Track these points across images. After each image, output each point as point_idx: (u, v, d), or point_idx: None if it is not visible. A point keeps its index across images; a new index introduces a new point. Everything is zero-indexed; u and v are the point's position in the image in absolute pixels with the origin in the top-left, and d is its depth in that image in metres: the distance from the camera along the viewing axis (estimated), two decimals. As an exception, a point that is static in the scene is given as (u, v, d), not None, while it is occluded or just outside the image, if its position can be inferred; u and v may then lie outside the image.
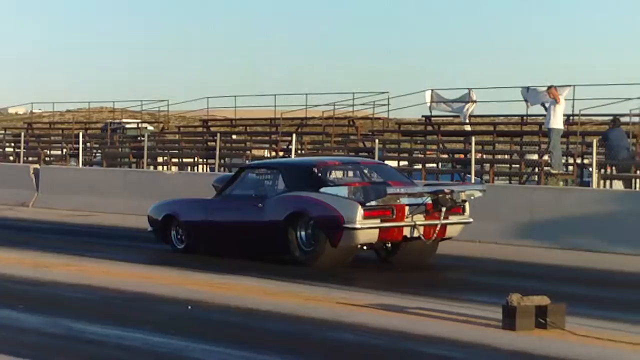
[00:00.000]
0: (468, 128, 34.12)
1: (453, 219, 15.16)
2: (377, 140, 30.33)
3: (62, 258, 17.40)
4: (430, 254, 15.76)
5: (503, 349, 10.09)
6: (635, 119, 30.48)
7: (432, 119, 35.33)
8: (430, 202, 14.88)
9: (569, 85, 30.29)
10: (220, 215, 16.26)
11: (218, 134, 36.20)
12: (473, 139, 29.44)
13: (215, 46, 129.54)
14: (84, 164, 37.72)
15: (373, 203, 14.47)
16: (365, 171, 16.41)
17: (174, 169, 37.53)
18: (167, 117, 47.86)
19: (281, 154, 34.70)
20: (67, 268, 15.92)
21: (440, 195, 14.79)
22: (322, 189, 15.01)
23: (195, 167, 37.90)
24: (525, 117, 33.91)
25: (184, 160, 38.92)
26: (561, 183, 26.85)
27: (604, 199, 20.89)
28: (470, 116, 34.18)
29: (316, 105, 38.55)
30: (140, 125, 47.39)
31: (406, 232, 14.65)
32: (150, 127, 47.40)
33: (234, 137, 41.03)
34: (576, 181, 27.78)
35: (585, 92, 31.64)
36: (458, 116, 34.58)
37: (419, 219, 14.71)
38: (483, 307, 11.88)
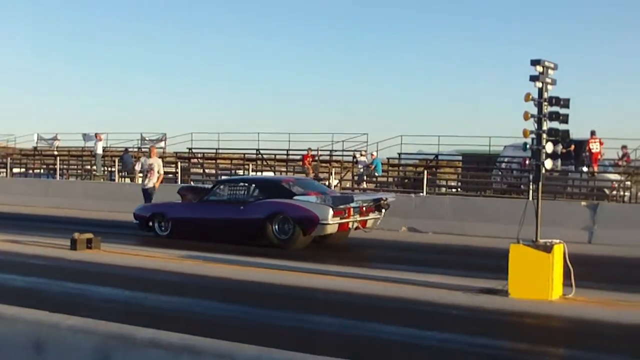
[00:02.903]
0: (55, 153, 39.11)
1: (371, 215, 15.26)
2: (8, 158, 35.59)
3: None
4: (344, 238, 15.70)
5: (69, 258, 12.80)
6: (136, 149, 36.00)
7: (38, 148, 41.28)
8: (366, 205, 15.07)
9: (105, 133, 35.51)
10: (206, 214, 15.72)
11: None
12: (58, 159, 34.79)
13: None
14: None
15: (339, 207, 14.42)
16: (303, 184, 16.14)
17: None
18: None
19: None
20: None
21: (381, 202, 15.25)
22: (295, 197, 14.85)
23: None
24: (83, 148, 38.53)
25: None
26: (102, 179, 31.64)
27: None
28: (57, 147, 40.71)
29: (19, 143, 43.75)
30: None
31: (351, 225, 14.86)
32: None
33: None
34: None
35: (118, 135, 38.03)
36: (51, 146, 41.24)
37: (357, 217, 14.83)
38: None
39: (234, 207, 15.24)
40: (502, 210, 15.45)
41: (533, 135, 9.85)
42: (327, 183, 26.54)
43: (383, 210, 15.24)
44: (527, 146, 10.00)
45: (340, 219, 14.45)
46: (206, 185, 20.68)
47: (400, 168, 31.96)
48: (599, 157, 24.83)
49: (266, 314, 8.79)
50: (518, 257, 9.53)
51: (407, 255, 14.20)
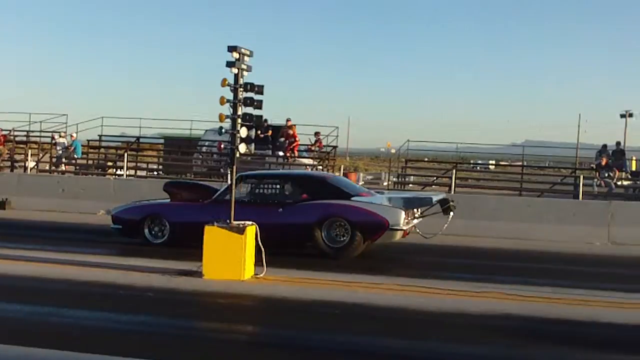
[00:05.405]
0: None
1: (417, 217, 13.32)
2: None
3: None
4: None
5: None
6: None
7: None
8: (432, 206, 13.11)
9: None
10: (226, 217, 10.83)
11: None
12: None
13: None
14: None
15: (410, 209, 12.63)
16: (343, 182, 13.92)
17: None
18: None
19: None
20: None
21: (450, 204, 13.14)
22: (354, 198, 12.48)
23: None
24: None
25: None
26: None
27: None
28: None
29: None
30: None
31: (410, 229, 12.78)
32: None
33: None
34: None
35: None
36: None
37: (413, 220, 12.94)
38: None
39: (269, 210, 12.38)
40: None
41: (229, 120, 10.12)
42: (25, 164, 25.28)
43: (451, 213, 13.10)
44: (223, 130, 10.26)
45: (407, 223, 12.36)
46: (204, 182, 16.92)
47: (102, 150, 31.17)
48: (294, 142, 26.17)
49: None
50: (212, 239, 9.77)
51: (105, 240, 13.89)
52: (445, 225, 13.04)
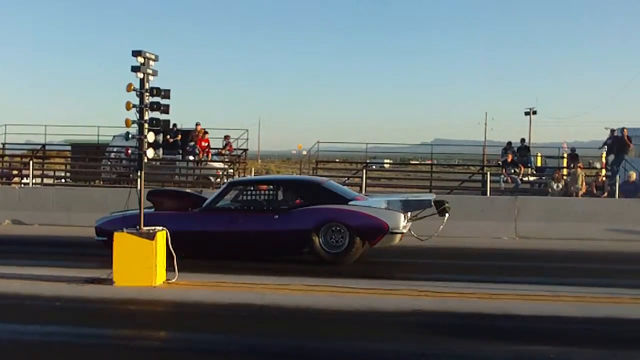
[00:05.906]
0: None
1: (410, 219, 12.81)
2: None
3: None
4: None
5: None
6: None
7: None
8: (433, 207, 12.76)
9: None
10: (220, 226, 11.92)
11: None
12: None
13: None
14: None
15: (408, 212, 12.41)
16: (336, 186, 13.42)
17: None
18: None
19: None
20: None
21: (445, 205, 12.72)
22: (351, 202, 12.21)
23: None
24: None
25: None
26: None
27: None
28: None
29: None
30: None
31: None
32: None
33: None
34: None
35: None
36: None
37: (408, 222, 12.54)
38: None
39: (263, 217, 12.00)
40: (110, 199, 15.39)
41: (135, 125, 9.98)
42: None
43: (447, 214, 12.71)
44: (130, 136, 10.12)
45: (405, 226, 12.14)
46: (190, 190, 16.05)
47: (6, 158, 30.26)
48: (207, 146, 26.01)
49: None
50: (122, 245, 9.63)
51: (10, 249, 13.52)
52: (441, 227, 12.73)
